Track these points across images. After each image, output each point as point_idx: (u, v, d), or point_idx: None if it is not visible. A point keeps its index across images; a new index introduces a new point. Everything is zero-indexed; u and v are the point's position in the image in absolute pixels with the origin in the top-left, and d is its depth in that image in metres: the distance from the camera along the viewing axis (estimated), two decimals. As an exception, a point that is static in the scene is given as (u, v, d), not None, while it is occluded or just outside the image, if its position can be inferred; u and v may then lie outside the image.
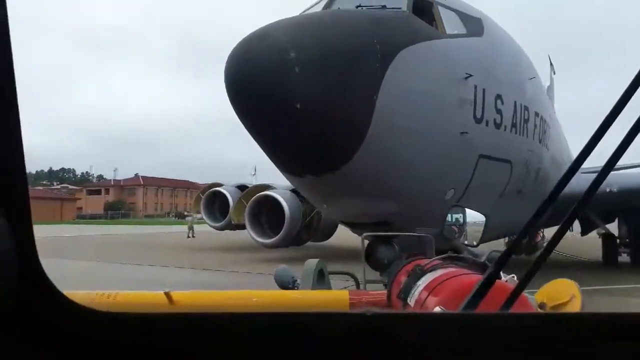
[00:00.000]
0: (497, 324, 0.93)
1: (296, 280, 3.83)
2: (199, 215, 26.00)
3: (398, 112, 5.65)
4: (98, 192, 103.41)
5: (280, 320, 0.97)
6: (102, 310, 0.98)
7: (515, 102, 7.75)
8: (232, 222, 20.72)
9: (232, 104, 5.18)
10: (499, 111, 7.20)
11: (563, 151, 15.35)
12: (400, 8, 6.80)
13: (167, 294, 2.84)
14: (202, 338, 0.94)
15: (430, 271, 2.27)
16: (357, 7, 6.71)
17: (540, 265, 1.16)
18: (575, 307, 2.50)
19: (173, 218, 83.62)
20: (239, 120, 5.17)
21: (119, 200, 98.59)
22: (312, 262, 3.86)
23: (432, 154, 6.37)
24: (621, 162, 1.21)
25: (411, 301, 2.16)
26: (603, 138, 1.18)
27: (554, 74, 24.80)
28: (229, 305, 2.96)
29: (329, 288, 4.02)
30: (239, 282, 12.28)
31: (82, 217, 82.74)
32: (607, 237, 18.36)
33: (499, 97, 7.21)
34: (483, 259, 2.56)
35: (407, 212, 6.41)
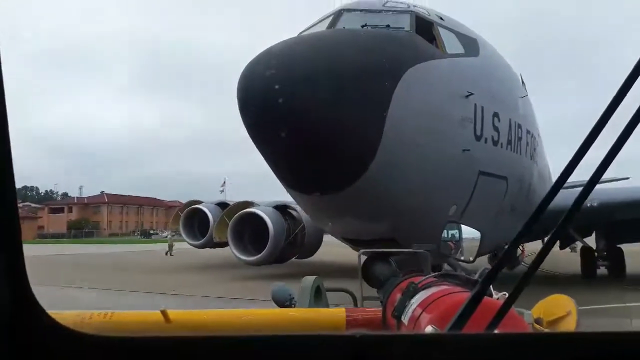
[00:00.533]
0: (482, 344, 0.94)
1: (293, 298, 3.78)
2: (164, 234, 25.56)
3: (406, 131, 5.68)
4: (61, 210, 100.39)
5: (273, 343, 0.96)
6: (92, 334, 0.98)
7: (510, 120, 7.90)
8: (214, 240, 20.44)
9: (244, 120, 5.14)
10: (496, 129, 7.32)
11: (546, 166, 15.69)
12: (403, 28, 6.90)
13: (164, 312, 2.77)
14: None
15: (424, 289, 2.28)
16: (363, 26, 6.78)
17: (527, 281, 1.15)
18: (570, 322, 2.52)
19: (138, 237, 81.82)
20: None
21: (82, 218, 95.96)
22: (309, 279, 3.83)
23: (436, 171, 6.42)
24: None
25: (405, 319, 2.15)
26: (587, 153, 1.18)
27: (526, 92, 25.51)
28: (225, 324, 2.92)
29: (327, 305, 3.99)
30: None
31: (44, 236, 79.97)
32: (585, 251, 18.76)
33: (495, 115, 7.34)
34: (476, 276, 2.57)
35: (411, 229, 6.44)
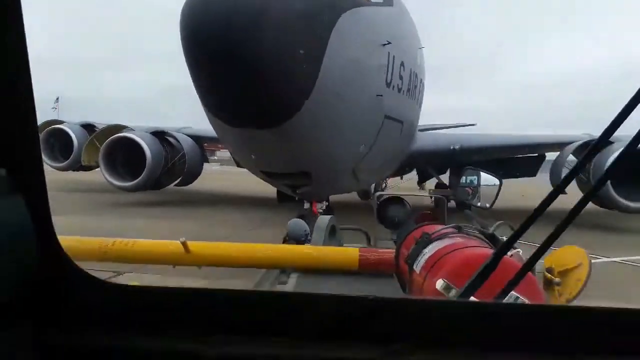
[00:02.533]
0: (490, 313, 0.97)
1: (309, 234, 3.93)
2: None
3: (337, 73, 5.99)
4: None
5: (286, 299, 1.05)
6: (120, 284, 1.09)
7: (410, 69, 8.54)
8: (83, 163, 19.06)
9: (185, 45, 5.03)
10: (400, 77, 7.91)
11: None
12: None
13: (184, 244, 2.86)
14: (209, 312, 1.00)
15: (437, 240, 2.27)
16: None
17: (550, 244, 1.14)
18: (582, 274, 2.54)
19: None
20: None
21: None
22: (325, 219, 3.85)
23: (355, 113, 6.85)
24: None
25: (417, 268, 2.18)
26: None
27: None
28: (243, 257, 3.00)
29: (341, 243, 4.04)
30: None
31: None
32: (439, 186, 21.12)
33: (402, 64, 7.89)
34: (491, 229, 2.59)
35: (327, 163, 6.89)
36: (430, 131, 21.03)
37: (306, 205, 7.98)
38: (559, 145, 17.76)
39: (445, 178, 20.06)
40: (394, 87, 7.65)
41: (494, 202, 4.03)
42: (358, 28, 6.34)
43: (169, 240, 3.11)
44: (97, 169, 18.79)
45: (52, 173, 22.28)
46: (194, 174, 19.35)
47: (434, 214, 4.29)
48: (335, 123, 6.50)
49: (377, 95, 7.15)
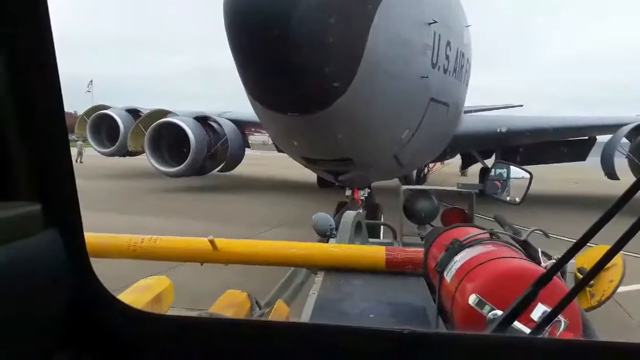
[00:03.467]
0: (530, 348, 0.94)
1: (334, 229, 3.86)
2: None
3: (382, 54, 5.82)
4: None
5: (311, 330, 1.02)
6: (154, 313, 1.09)
7: (457, 49, 8.25)
8: (129, 149, 19.54)
9: (229, 28, 4.99)
10: (447, 57, 7.65)
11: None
12: None
13: (212, 241, 2.82)
14: (238, 341, 0.99)
15: (468, 247, 2.19)
16: None
17: (583, 245, 1.07)
18: (616, 275, 2.46)
19: None
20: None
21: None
22: (351, 214, 3.77)
23: (399, 96, 6.67)
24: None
25: (447, 277, 2.10)
26: None
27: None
28: (270, 255, 2.98)
29: (366, 239, 4.00)
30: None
31: None
32: (484, 170, 20.62)
33: (448, 43, 7.63)
34: (524, 236, 2.51)
35: (369, 150, 6.76)
36: (474, 113, 20.50)
37: (347, 192, 7.88)
38: (610, 128, 17.01)
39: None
40: (439, 67, 7.41)
41: (524, 196, 3.91)
42: (403, 6, 6.15)
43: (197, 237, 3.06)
44: (142, 155, 19.21)
45: (99, 158, 23.04)
46: (237, 159, 19.54)
47: (463, 211, 4.11)
48: (379, 107, 6.35)
49: (422, 76, 6.94)
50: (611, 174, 15.93)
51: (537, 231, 2.52)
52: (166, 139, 17.84)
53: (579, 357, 0.91)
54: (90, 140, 21.34)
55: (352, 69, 5.38)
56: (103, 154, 21.53)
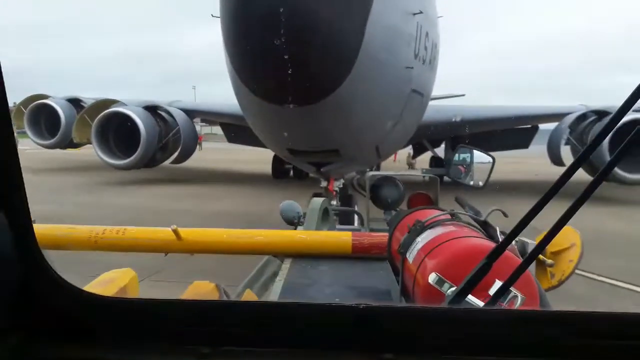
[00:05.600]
0: (484, 319, 0.97)
1: (302, 216, 3.81)
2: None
3: (377, 45, 5.77)
4: None
5: (276, 310, 1.03)
6: (105, 296, 1.09)
7: (433, 40, 8.33)
8: (74, 141, 18.49)
9: (226, 15, 4.77)
10: (425, 48, 7.70)
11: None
12: None
13: (175, 231, 2.77)
14: (193, 322, 0.99)
15: (430, 228, 2.24)
16: None
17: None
18: (574, 254, 2.54)
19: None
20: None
21: None
22: (318, 201, 3.77)
23: (387, 87, 6.67)
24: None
25: (410, 257, 2.15)
26: None
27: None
28: (235, 244, 2.95)
29: (334, 226, 4.00)
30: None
31: None
32: (435, 159, 21.14)
33: (427, 34, 7.68)
34: (484, 217, 2.56)
35: (357, 141, 6.73)
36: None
37: (323, 184, 7.81)
38: (555, 117, 17.84)
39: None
40: (419, 58, 7.46)
41: (487, 180, 3.94)
42: None
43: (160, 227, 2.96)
44: (86, 146, 18.30)
45: (39, 151, 21.75)
46: (189, 150, 18.97)
47: (428, 195, 4.15)
48: (371, 98, 6.31)
49: (407, 67, 6.95)
50: (557, 160, 16.72)
51: (496, 211, 2.53)
52: (114, 129, 17.04)
53: (531, 327, 0.93)
54: (28, 131, 20.01)
55: (351, 59, 5.29)
56: (43, 146, 20.30)
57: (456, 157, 4.52)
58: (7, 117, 0.90)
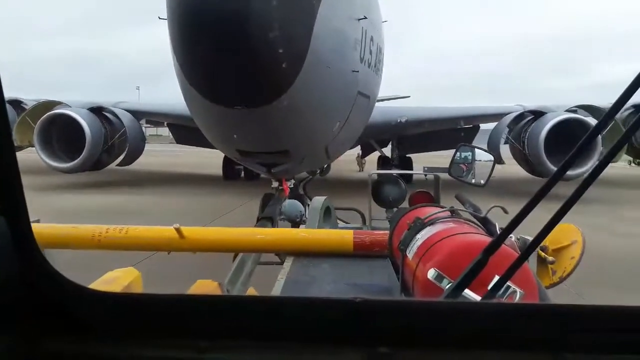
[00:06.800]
0: (479, 312, 0.97)
1: (304, 215, 3.87)
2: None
3: (324, 48, 5.98)
4: None
5: (273, 305, 1.04)
6: (105, 291, 1.10)
7: (377, 44, 8.65)
8: (15, 144, 17.69)
9: (174, 14, 4.85)
10: (370, 52, 8.00)
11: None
12: None
13: (178, 230, 2.79)
14: (195, 318, 1.00)
15: (430, 225, 2.24)
16: None
17: (548, 231, 1.12)
18: (576, 251, 2.53)
19: None
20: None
21: None
22: (319, 200, 3.78)
23: (336, 88, 6.89)
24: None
25: (410, 254, 2.16)
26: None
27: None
28: (238, 242, 2.98)
29: (336, 225, 4.01)
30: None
31: None
32: (382, 158, 21.66)
33: (372, 38, 7.99)
34: (484, 213, 2.60)
35: (306, 142, 6.94)
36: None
37: (274, 184, 7.95)
38: (495, 117, 18.68)
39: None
40: (365, 62, 7.74)
41: (488, 178, 3.95)
42: (341, 1, 6.36)
43: (163, 226, 3.00)
44: (27, 149, 17.63)
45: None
46: (136, 152, 18.66)
47: (429, 193, 4.29)
48: (318, 100, 6.52)
49: (354, 70, 7.22)
50: (497, 158, 17.50)
51: (496, 207, 2.55)
52: (58, 132, 16.53)
53: (529, 320, 0.93)
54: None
55: (298, 62, 5.48)
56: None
57: (458, 155, 4.43)
58: (4, 118, 0.91)
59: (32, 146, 16.65)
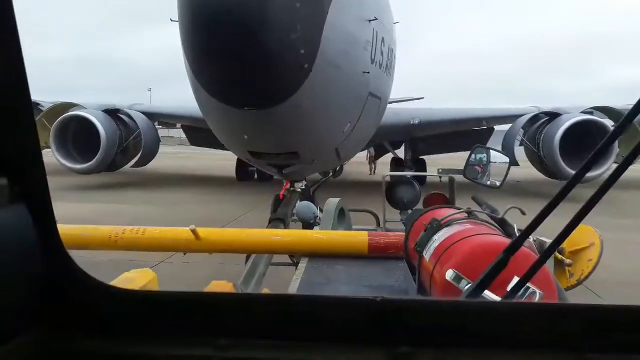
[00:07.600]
0: (500, 312, 0.96)
1: (317, 217, 3.85)
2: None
3: (334, 49, 5.98)
4: None
5: (292, 303, 1.04)
6: (127, 289, 1.10)
7: (389, 45, 8.64)
8: (32, 145, 17.98)
9: (186, 16, 4.88)
10: (382, 53, 7.99)
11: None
12: None
13: (194, 231, 2.82)
14: (214, 315, 1.01)
15: (447, 226, 2.23)
16: None
17: (568, 234, 1.12)
18: (593, 253, 2.52)
19: None
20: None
21: None
22: (333, 201, 3.77)
23: (346, 90, 6.88)
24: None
25: (426, 255, 2.15)
26: None
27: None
28: (253, 243, 3.00)
29: (350, 226, 4.00)
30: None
31: None
32: (395, 160, 21.56)
33: (383, 40, 7.98)
34: (501, 214, 2.58)
35: (316, 143, 6.93)
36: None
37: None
38: (509, 118, 18.52)
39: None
40: (376, 63, 7.73)
41: (504, 179, 3.90)
42: (351, 2, 6.36)
43: (179, 227, 3.04)
44: (43, 150, 17.82)
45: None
46: (151, 153, 18.80)
47: (444, 195, 4.27)
48: (328, 101, 6.53)
49: (364, 72, 7.21)
50: (512, 160, 17.31)
51: (514, 208, 2.54)
52: (73, 133, 16.75)
53: (548, 320, 0.93)
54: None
55: (308, 64, 5.49)
56: None
57: (473, 157, 4.40)
58: (31, 119, 0.92)
59: (48, 147, 16.87)
